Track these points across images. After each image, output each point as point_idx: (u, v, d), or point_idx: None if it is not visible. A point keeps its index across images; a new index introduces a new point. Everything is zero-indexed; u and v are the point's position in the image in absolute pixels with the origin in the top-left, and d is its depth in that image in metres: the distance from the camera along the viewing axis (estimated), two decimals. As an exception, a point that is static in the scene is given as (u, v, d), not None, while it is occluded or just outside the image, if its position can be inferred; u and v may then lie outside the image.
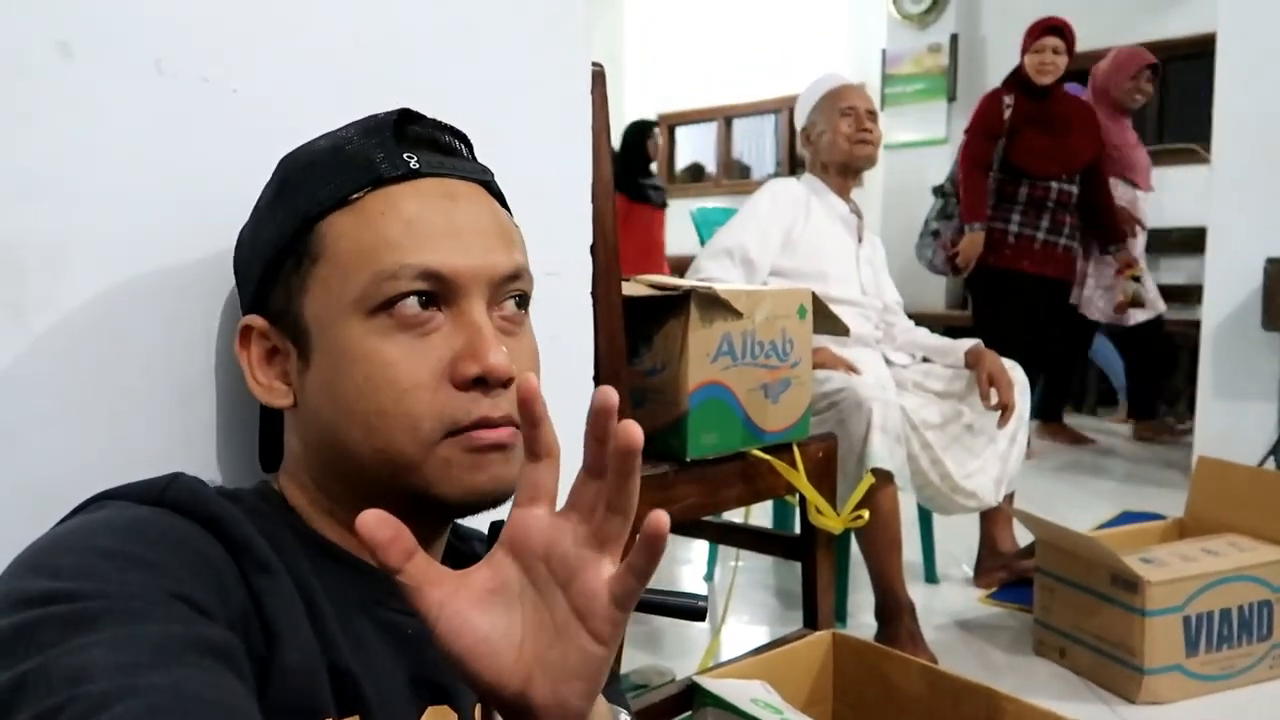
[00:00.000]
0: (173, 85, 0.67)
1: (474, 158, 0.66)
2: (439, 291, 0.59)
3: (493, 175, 0.67)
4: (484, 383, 0.58)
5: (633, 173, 4.91)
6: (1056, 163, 3.38)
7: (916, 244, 3.66)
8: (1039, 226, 3.44)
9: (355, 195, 0.60)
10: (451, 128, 0.65)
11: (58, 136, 0.63)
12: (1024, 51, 3.37)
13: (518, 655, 0.47)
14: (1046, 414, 4.22)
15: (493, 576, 0.49)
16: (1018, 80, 3.39)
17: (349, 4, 0.77)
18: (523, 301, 0.64)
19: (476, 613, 0.47)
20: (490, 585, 0.48)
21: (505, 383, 0.59)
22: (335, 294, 0.59)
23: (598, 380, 1.05)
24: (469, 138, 0.66)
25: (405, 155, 0.60)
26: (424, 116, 0.64)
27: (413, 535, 0.47)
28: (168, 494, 0.54)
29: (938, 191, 3.65)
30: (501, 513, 0.69)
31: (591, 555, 0.47)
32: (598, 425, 0.47)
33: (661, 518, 0.45)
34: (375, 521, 0.46)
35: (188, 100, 0.68)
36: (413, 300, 0.58)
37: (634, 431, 0.46)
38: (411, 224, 0.59)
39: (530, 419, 0.48)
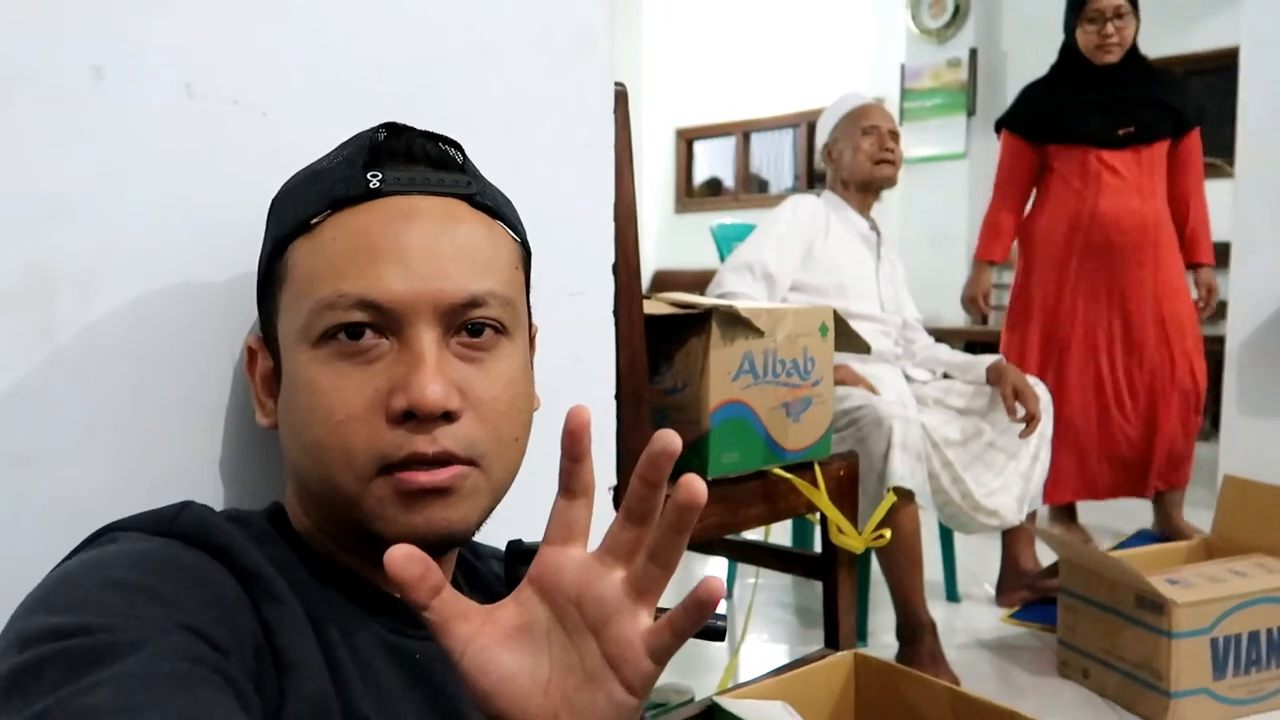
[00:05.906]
0: (203, 108, 0.68)
1: (465, 169, 0.62)
2: (380, 320, 0.56)
3: (481, 188, 0.62)
4: (414, 416, 0.55)
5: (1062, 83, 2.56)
6: None
7: None
8: None
9: (315, 220, 0.59)
10: (441, 137, 0.61)
11: (89, 159, 0.64)
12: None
13: (545, 694, 0.46)
14: None
15: (520, 614, 0.47)
16: None
17: (376, 28, 0.78)
18: (500, 328, 0.59)
19: (503, 650, 0.46)
20: (517, 623, 0.47)
21: (446, 416, 0.55)
22: (291, 320, 0.59)
23: (619, 398, 1.04)
24: (462, 146, 0.63)
25: (369, 175, 0.58)
26: (409, 129, 0.60)
27: (440, 571, 0.46)
28: (176, 524, 0.54)
29: None
30: (519, 530, 0.69)
31: (627, 604, 0.45)
32: (654, 469, 0.44)
33: (717, 584, 0.43)
34: (403, 559, 0.44)
35: (217, 123, 0.69)
36: (350, 330, 0.56)
37: (698, 488, 0.43)
38: (356, 249, 0.56)
39: (572, 454, 0.46)
